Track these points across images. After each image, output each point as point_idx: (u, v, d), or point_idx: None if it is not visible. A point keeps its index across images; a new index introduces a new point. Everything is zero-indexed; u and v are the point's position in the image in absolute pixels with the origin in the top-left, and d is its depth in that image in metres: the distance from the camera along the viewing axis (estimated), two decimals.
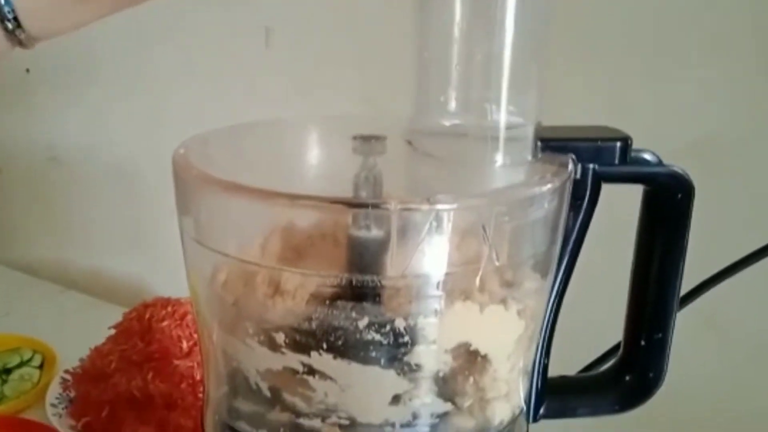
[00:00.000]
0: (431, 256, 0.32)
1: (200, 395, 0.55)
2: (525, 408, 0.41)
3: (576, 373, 0.47)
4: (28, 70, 1.02)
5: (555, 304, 0.40)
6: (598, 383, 0.44)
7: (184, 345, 0.68)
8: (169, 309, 0.71)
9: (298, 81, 0.77)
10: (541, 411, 0.42)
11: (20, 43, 0.44)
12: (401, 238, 0.31)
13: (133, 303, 0.73)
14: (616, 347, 0.44)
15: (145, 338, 0.68)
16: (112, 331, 0.71)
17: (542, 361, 0.42)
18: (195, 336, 0.68)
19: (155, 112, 0.90)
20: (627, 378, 0.42)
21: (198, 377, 0.65)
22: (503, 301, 0.35)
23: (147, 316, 0.70)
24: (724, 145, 0.60)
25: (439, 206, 0.31)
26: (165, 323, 0.69)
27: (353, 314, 0.33)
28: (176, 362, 0.66)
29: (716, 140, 0.60)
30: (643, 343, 0.41)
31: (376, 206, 0.32)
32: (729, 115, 0.60)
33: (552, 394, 0.43)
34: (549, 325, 0.41)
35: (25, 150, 1.08)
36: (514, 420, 0.39)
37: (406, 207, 0.31)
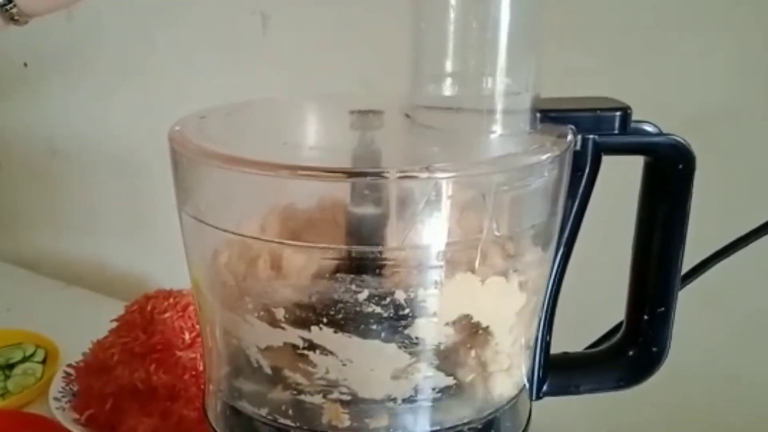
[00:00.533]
0: (431, 226, 0.32)
1: (203, 386, 0.55)
2: (528, 385, 0.41)
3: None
4: (26, 64, 1.02)
5: (556, 279, 0.40)
6: (602, 359, 0.43)
7: (187, 336, 0.68)
8: (171, 300, 0.70)
9: (296, 66, 0.77)
10: (545, 388, 0.42)
11: (12, 19, 0.44)
12: (400, 207, 0.31)
13: (135, 297, 0.72)
14: (619, 326, 0.44)
15: (147, 330, 0.68)
16: (114, 325, 0.71)
17: (545, 338, 0.41)
18: (197, 327, 0.68)
19: (155, 102, 0.89)
20: (630, 353, 0.42)
21: (201, 368, 0.65)
22: (504, 273, 0.35)
23: (149, 308, 0.69)
24: (725, 120, 0.60)
25: (438, 174, 0.31)
26: (167, 315, 0.69)
27: (353, 287, 0.32)
28: (179, 353, 0.66)
29: (717, 116, 0.60)
30: (646, 317, 0.41)
31: (375, 175, 0.31)
32: (730, 91, 0.59)
33: (555, 371, 0.42)
34: (551, 301, 0.40)
35: (24, 144, 1.08)
36: (516, 396, 0.39)
37: (404, 175, 0.31)
